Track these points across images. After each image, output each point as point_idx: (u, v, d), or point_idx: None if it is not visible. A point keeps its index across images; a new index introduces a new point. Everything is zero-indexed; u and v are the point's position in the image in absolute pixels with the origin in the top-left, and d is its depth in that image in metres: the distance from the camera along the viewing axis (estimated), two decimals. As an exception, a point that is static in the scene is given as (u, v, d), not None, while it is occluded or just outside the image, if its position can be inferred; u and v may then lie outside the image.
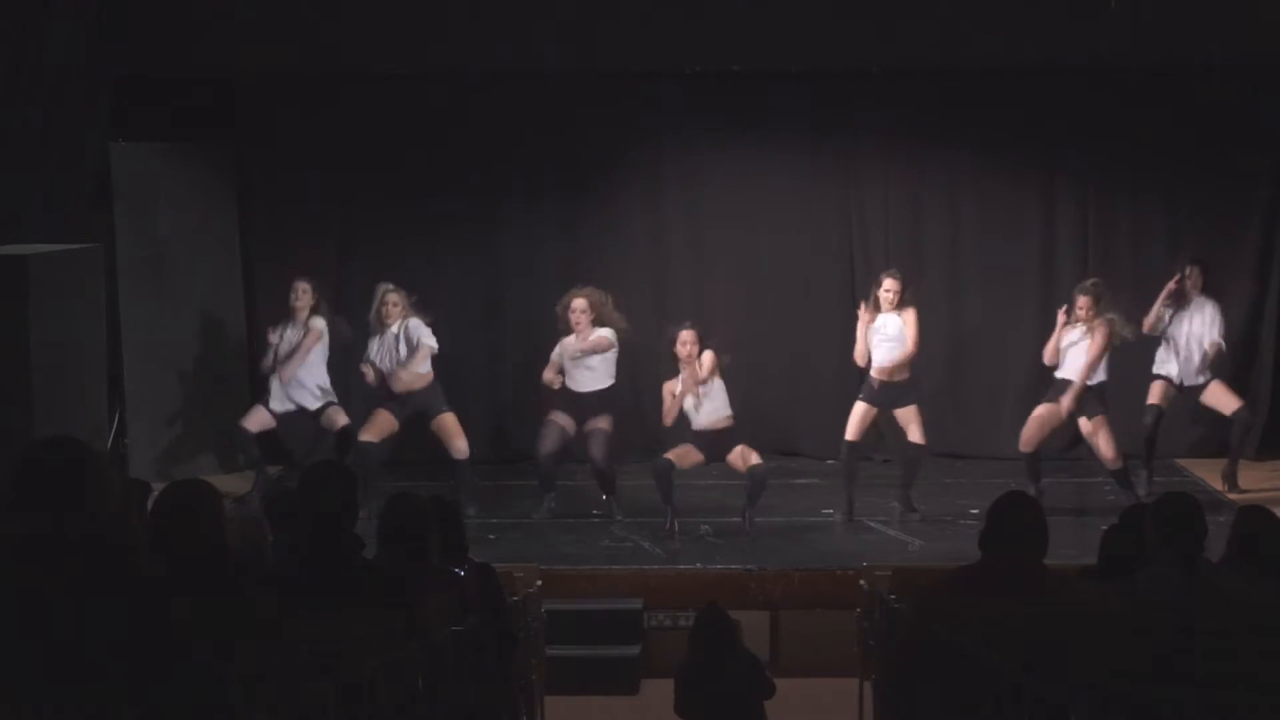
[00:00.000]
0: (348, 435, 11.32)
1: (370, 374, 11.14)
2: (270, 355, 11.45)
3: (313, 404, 11.44)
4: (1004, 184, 12.84)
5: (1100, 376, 10.90)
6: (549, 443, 11.04)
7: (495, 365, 12.77)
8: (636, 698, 9.58)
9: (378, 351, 11.17)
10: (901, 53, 11.91)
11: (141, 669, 3.24)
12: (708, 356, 10.63)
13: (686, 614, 9.15)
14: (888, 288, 10.93)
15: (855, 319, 11.37)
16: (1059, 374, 10.98)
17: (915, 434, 10.95)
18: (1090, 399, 10.87)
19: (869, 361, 10.97)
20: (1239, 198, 12.59)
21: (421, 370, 11.15)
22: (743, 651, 7.74)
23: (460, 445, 11.23)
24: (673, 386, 10.66)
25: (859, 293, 12.85)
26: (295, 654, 4.27)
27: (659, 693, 8.57)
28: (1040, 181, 12.84)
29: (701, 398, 10.62)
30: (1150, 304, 11.48)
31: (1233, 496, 10.97)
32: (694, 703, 7.49)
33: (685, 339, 10.64)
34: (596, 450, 10.95)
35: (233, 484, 11.30)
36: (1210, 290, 11.41)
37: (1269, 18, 11.45)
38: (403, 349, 11.15)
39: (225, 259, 12.60)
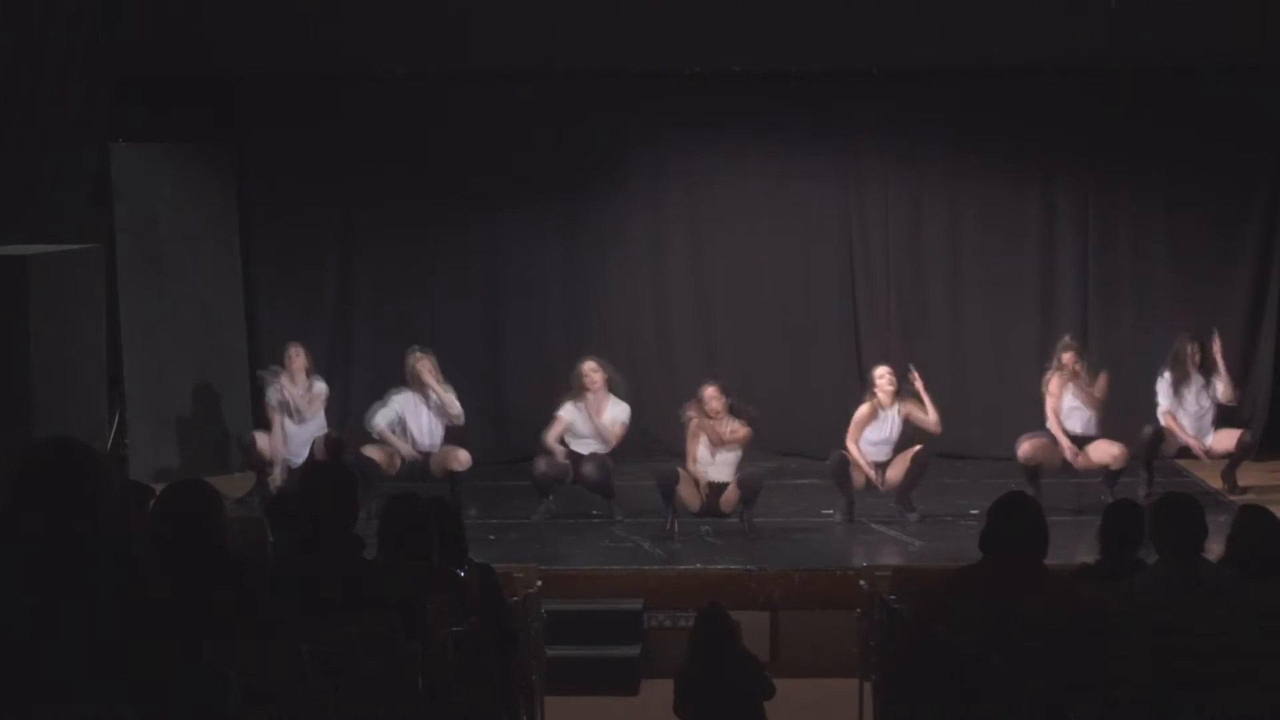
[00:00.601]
0: (339, 444, 11.32)
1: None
2: (280, 409, 11.36)
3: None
4: (1004, 184, 12.84)
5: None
6: (542, 465, 11.03)
7: (495, 365, 12.76)
8: (636, 698, 9.57)
9: (412, 418, 11.13)
10: (901, 53, 11.90)
11: (141, 669, 3.24)
12: (743, 432, 10.61)
13: (686, 614, 9.14)
14: (882, 374, 10.94)
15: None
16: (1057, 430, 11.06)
17: (918, 448, 10.94)
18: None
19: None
20: (1239, 198, 12.59)
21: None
22: (743, 652, 7.73)
23: (462, 458, 11.22)
24: (698, 430, 10.62)
25: (859, 293, 12.89)
26: (295, 654, 4.27)
27: (659, 693, 8.56)
28: (1040, 182, 12.84)
29: (716, 457, 10.60)
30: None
31: (1233, 497, 10.97)
32: (694, 703, 7.49)
33: (710, 395, 10.61)
34: (591, 471, 10.96)
35: (233, 484, 11.29)
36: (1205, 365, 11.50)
37: (1269, 18, 11.45)
38: (438, 426, 11.15)
39: (225, 259, 12.59)
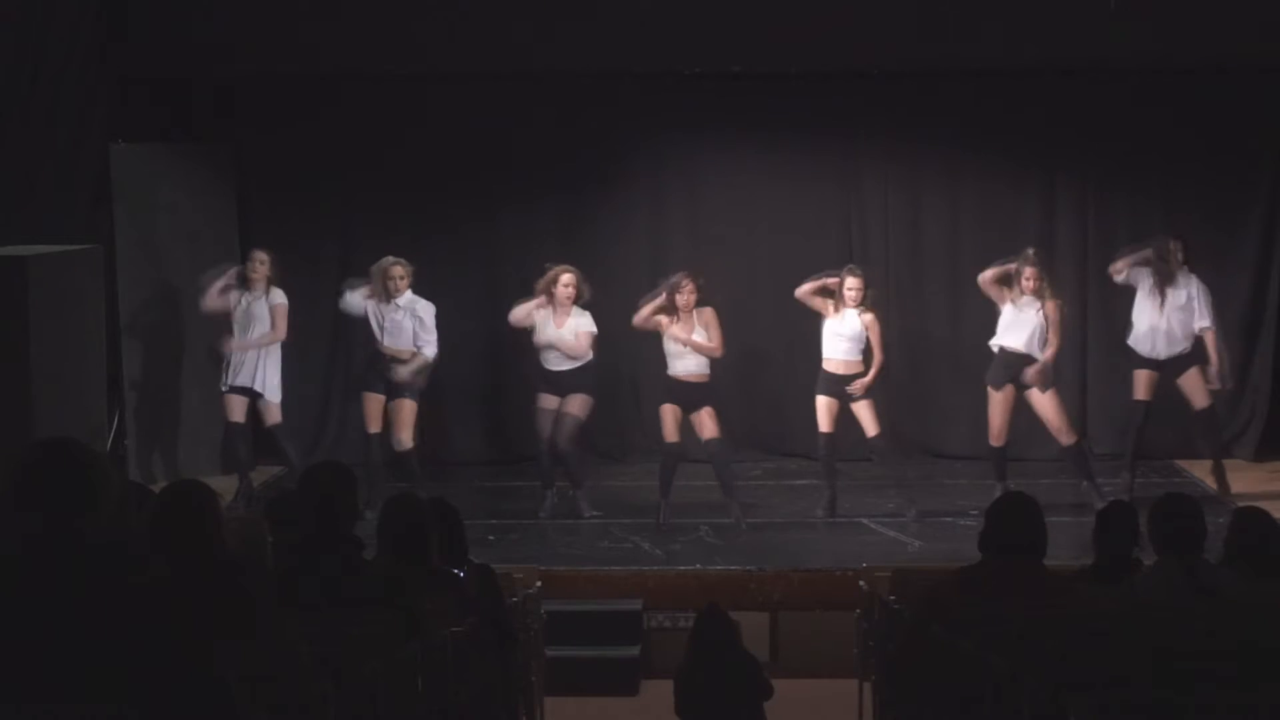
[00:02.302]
0: (277, 433, 11.31)
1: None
2: (229, 327, 11.30)
3: (259, 386, 11.30)
4: (1004, 184, 12.84)
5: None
6: (546, 429, 11.05)
7: (494, 366, 12.76)
8: (636, 698, 9.57)
9: (377, 324, 11.09)
10: (901, 53, 11.90)
11: (141, 669, 3.25)
12: (710, 314, 10.77)
13: (686, 615, 9.15)
14: (850, 286, 10.93)
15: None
16: (1004, 344, 10.90)
17: (871, 428, 10.95)
18: (1046, 374, 10.88)
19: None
20: (1239, 198, 12.59)
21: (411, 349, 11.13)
22: (743, 653, 7.73)
23: (405, 437, 11.13)
24: (667, 323, 10.78)
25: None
26: (295, 654, 4.27)
27: (658, 693, 8.57)
28: (1040, 181, 12.84)
29: (687, 346, 10.73)
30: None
31: (1233, 495, 10.93)
32: (693, 704, 7.49)
33: (687, 289, 10.75)
34: (562, 437, 10.98)
35: (232, 484, 11.28)
36: (1196, 269, 11.21)
37: (1269, 18, 11.45)
38: (407, 323, 11.10)
39: (225, 259, 12.57)
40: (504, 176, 12.74)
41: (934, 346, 12.84)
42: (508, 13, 11.72)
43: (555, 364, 11.03)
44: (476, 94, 12.56)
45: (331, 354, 12.48)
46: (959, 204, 12.88)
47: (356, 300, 11.17)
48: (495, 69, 12.11)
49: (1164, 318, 11.08)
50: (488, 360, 12.74)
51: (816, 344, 12.61)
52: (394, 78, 12.30)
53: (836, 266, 12.88)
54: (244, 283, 11.34)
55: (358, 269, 12.68)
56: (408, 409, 11.13)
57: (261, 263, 11.31)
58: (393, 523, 5.92)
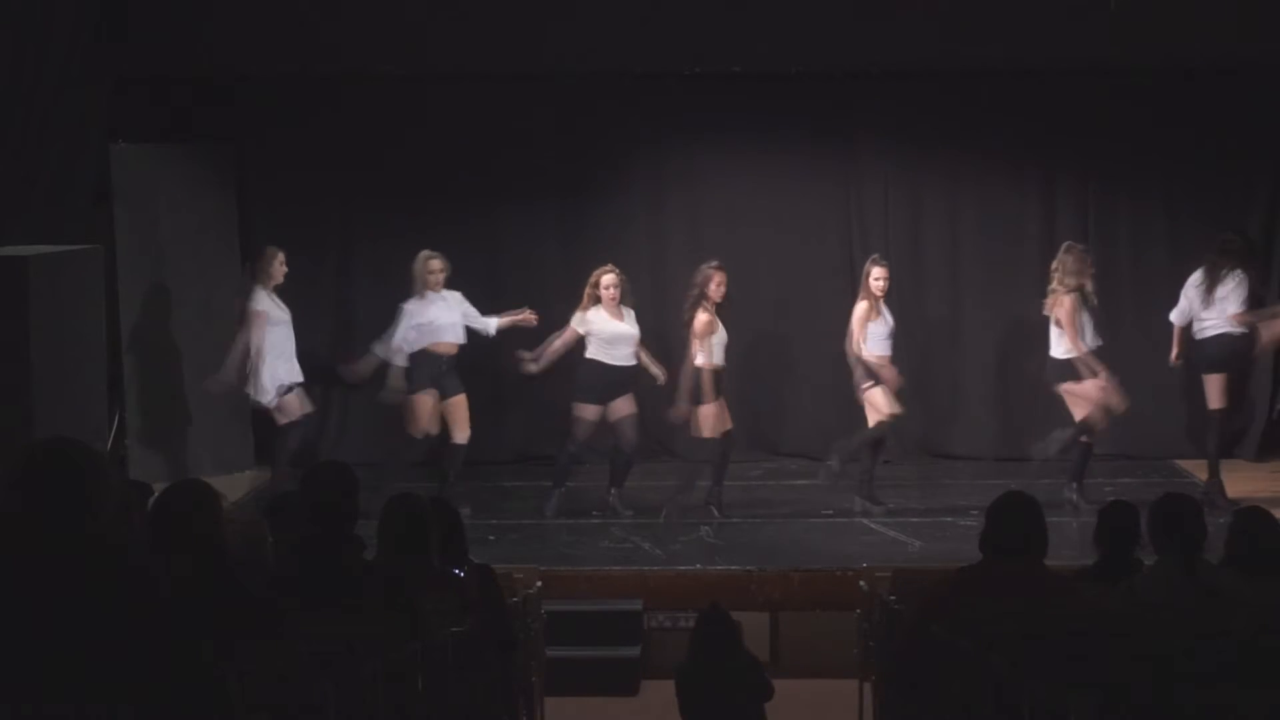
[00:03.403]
0: (303, 424, 11.28)
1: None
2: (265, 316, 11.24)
3: (290, 380, 11.29)
4: (1004, 184, 12.84)
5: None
6: (582, 433, 11.06)
7: (494, 367, 12.75)
8: (636, 699, 9.57)
9: (419, 325, 11.09)
10: (901, 53, 11.91)
11: (141, 669, 3.25)
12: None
13: (687, 615, 9.16)
14: (878, 275, 10.92)
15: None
16: (1070, 356, 10.89)
17: (873, 416, 10.99)
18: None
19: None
20: (1239, 198, 12.59)
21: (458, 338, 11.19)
22: (744, 653, 7.73)
23: (466, 432, 11.22)
24: (705, 315, 10.87)
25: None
26: (295, 654, 4.27)
27: (659, 694, 8.57)
28: (1040, 181, 12.84)
29: (715, 339, 10.92)
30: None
31: (1231, 497, 10.92)
32: (694, 704, 7.49)
33: (719, 280, 10.86)
34: (628, 442, 11.03)
35: (233, 484, 11.28)
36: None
37: (1269, 18, 11.46)
38: (454, 318, 11.15)
39: (225, 259, 12.59)
40: (504, 176, 12.73)
41: (934, 346, 12.83)
42: (507, 13, 11.73)
43: (624, 359, 11.04)
44: (476, 94, 12.56)
45: (332, 355, 12.46)
46: (959, 204, 12.88)
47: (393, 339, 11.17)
48: (495, 69, 12.12)
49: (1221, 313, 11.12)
50: (487, 361, 12.73)
51: (817, 344, 12.67)
52: (394, 78, 12.30)
53: (836, 266, 12.94)
54: (261, 280, 11.27)
55: (358, 269, 12.74)
56: (464, 403, 11.21)
57: (284, 262, 11.25)
58: (393, 522, 5.92)
